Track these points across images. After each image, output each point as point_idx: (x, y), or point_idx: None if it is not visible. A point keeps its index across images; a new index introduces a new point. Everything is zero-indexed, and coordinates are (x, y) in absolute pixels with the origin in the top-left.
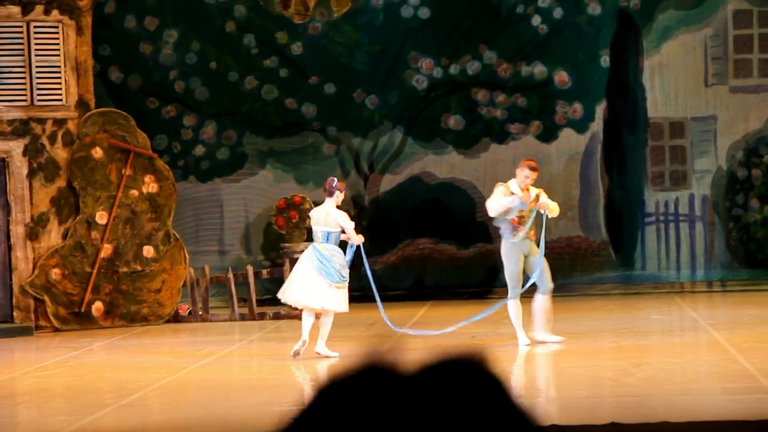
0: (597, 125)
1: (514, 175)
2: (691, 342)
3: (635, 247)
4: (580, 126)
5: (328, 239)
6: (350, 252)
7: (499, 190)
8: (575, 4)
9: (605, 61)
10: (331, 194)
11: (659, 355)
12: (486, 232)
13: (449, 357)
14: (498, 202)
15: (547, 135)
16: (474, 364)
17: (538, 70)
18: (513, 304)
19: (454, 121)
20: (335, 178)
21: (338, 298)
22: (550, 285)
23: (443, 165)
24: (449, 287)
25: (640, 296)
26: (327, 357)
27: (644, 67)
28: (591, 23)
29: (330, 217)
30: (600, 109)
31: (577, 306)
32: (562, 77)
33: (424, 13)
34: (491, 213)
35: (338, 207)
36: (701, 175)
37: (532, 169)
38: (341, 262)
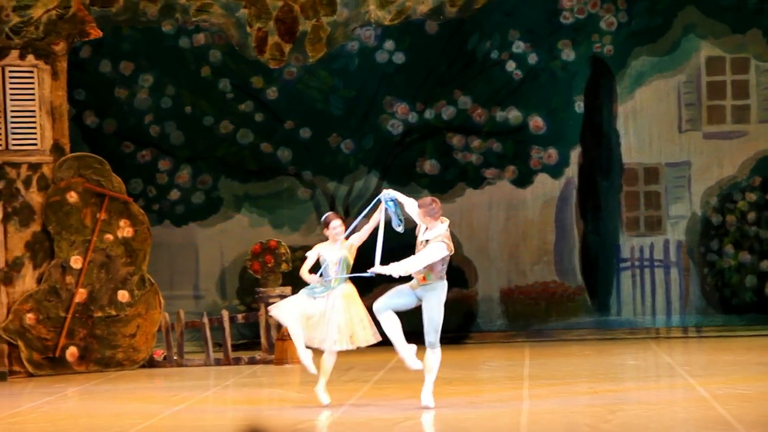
0: (572, 170)
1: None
2: (666, 388)
3: (611, 293)
4: (555, 171)
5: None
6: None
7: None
8: (549, 50)
9: (579, 106)
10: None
11: (635, 402)
12: (462, 277)
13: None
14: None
15: (522, 180)
16: None
17: (513, 115)
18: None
19: (429, 166)
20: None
21: None
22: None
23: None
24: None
25: (616, 342)
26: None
27: (618, 113)
28: (565, 69)
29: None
30: (575, 155)
31: (552, 351)
32: (536, 122)
33: (399, 58)
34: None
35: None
36: (676, 221)
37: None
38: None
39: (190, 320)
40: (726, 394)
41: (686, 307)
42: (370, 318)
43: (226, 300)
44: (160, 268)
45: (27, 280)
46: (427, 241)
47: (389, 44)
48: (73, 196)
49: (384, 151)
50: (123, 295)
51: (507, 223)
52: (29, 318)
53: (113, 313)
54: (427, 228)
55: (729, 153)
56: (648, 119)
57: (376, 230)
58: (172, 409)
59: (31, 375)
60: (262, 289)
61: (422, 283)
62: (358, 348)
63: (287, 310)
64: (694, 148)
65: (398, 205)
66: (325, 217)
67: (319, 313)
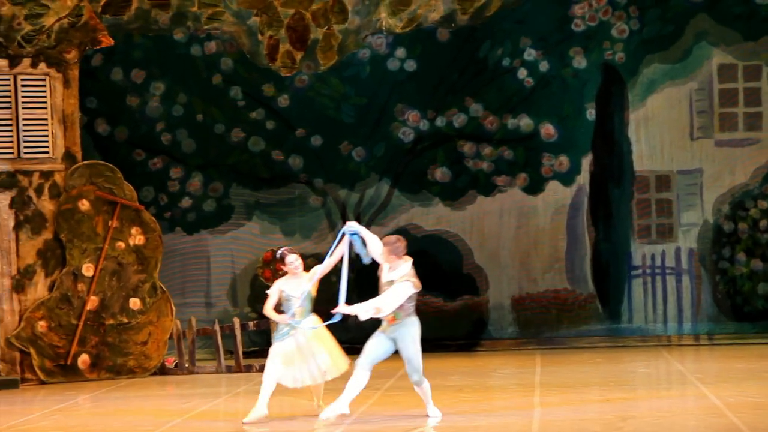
0: (583, 178)
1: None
2: (678, 396)
3: (622, 300)
4: (567, 179)
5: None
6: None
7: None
8: (561, 57)
9: (591, 114)
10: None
11: (647, 409)
12: (473, 284)
13: None
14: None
15: (534, 187)
16: None
17: (525, 122)
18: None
19: (440, 174)
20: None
21: None
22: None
23: (430, 217)
24: (436, 339)
25: (627, 349)
26: None
27: (630, 121)
28: (576, 76)
29: None
30: (586, 162)
31: (563, 359)
32: (548, 130)
33: (411, 65)
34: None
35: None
36: (687, 228)
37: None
38: None
39: (202, 328)
40: (738, 402)
41: (698, 315)
42: (338, 346)
43: (238, 307)
44: (171, 276)
45: (39, 288)
46: (391, 281)
47: (400, 52)
48: (84, 204)
49: (395, 159)
50: (135, 303)
51: (518, 230)
52: (41, 325)
53: (125, 320)
54: (390, 267)
55: (741, 160)
56: (660, 127)
57: (339, 267)
58: (183, 417)
59: (42, 382)
60: None
61: (392, 323)
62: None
63: (277, 373)
64: (706, 155)
65: (361, 239)
66: (281, 253)
67: (294, 351)
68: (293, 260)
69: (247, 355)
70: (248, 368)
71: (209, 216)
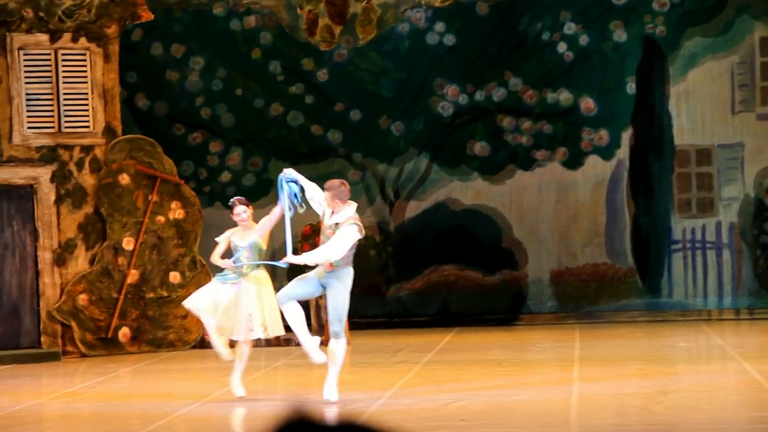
0: (623, 152)
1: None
2: (718, 370)
3: (662, 275)
4: (606, 153)
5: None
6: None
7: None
8: (601, 31)
9: (631, 87)
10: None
11: (686, 383)
12: (512, 259)
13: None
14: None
15: (573, 162)
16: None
17: (564, 96)
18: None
19: (479, 148)
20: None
21: None
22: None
23: (469, 191)
24: (475, 314)
25: (667, 324)
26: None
27: (670, 94)
28: (617, 50)
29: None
30: (626, 136)
31: (603, 333)
32: (588, 104)
33: (450, 39)
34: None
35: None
36: (728, 203)
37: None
38: None
39: None
40: None
41: (738, 289)
42: (278, 310)
43: (277, 281)
44: (211, 250)
45: (80, 262)
46: (336, 224)
47: (440, 26)
48: (125, 178)
49: (434, 133)
50: (174, 277)
51: (557, 204)
52: (82, 299)
53: (165, 294)
54: (333, 212)
55: None
56: (701, 100)
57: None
58: (223, 390)
59: (84, 355)
60: (312, 270)
61: (329, 270)
62: (273, 337)
63: (198, 301)
64: (748, 129)
65: (300, 187)
66: (231, 203)
67: (229, 301)
68: (240, 212)
69: (286, 328)
70: (287, 342)
71: (248, 190)
